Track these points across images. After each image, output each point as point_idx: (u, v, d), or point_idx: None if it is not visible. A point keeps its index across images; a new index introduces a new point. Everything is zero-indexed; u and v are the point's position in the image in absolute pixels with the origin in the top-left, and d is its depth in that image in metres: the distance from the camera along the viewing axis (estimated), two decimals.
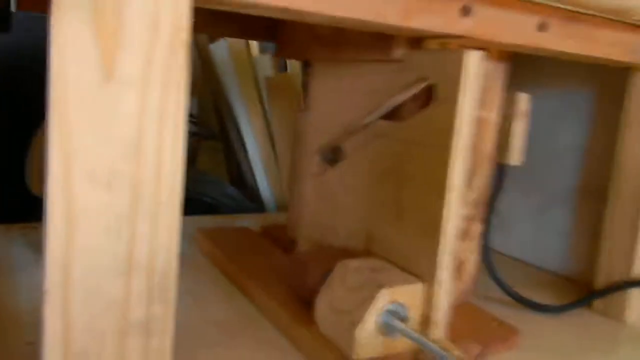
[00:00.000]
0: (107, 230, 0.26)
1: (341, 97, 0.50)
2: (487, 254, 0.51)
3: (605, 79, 0.60)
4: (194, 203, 0.98)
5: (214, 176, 1.03)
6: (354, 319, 0.37)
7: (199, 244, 0.63)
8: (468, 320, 0.45)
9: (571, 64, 0.58)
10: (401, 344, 0.38)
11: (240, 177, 1.09)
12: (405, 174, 0.41)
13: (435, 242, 0.38)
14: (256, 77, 1.03)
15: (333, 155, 0.53)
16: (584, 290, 0.58)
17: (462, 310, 0.47)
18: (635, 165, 0.52)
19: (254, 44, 1.05)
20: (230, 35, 0.86)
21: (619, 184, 0.53)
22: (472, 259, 0.51)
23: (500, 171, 0.49)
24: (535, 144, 0.63)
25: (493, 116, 0.49)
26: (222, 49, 1.02)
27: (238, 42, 1.03)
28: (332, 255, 0.46)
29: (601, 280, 0.55)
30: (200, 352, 0.40)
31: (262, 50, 1.07)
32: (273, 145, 1.00)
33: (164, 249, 0.28)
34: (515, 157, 0.49)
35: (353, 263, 0.41)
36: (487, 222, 0.50)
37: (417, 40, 0.41)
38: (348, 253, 0.47)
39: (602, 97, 0.60)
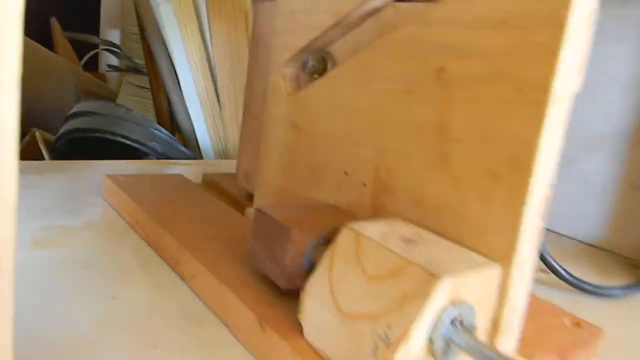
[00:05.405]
0: None
1: None
2: None
3: None
4: (110, 146, 0.77)
5: (139, 114, 0.81)
6: (389, 334, 0.20)
7: (109, 195, 0.44)
8: (530, 317, 0.30)
9: None
10: None
11: (172, 118, 0.88)
12: (456, 82, 0.24)
13: (521, 194, 0.22)
14: None
15: (317, 63, 0.35)
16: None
17: None
18: None
19: None
20: None
21: None
22: None
23: None
24: None
25: None
26: None
27: None
28: (322, 213, 0.29)
29: None
30: None
31: None
32: (213, 77, 0.80)
33: None
34: None
35: (371, 228, 0.24)
36: None
37: None
38: (345, 211, 0.30)
39: None
